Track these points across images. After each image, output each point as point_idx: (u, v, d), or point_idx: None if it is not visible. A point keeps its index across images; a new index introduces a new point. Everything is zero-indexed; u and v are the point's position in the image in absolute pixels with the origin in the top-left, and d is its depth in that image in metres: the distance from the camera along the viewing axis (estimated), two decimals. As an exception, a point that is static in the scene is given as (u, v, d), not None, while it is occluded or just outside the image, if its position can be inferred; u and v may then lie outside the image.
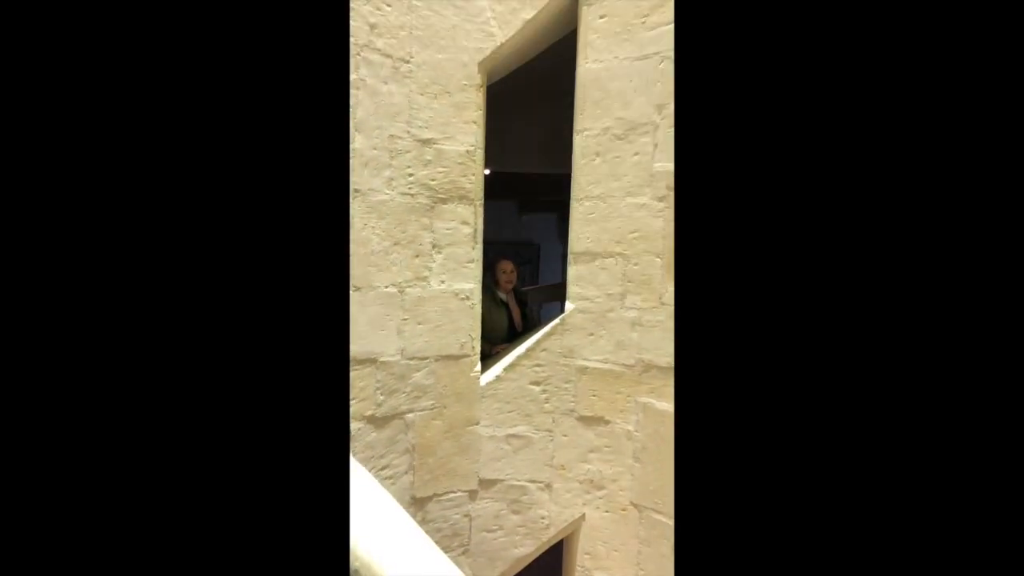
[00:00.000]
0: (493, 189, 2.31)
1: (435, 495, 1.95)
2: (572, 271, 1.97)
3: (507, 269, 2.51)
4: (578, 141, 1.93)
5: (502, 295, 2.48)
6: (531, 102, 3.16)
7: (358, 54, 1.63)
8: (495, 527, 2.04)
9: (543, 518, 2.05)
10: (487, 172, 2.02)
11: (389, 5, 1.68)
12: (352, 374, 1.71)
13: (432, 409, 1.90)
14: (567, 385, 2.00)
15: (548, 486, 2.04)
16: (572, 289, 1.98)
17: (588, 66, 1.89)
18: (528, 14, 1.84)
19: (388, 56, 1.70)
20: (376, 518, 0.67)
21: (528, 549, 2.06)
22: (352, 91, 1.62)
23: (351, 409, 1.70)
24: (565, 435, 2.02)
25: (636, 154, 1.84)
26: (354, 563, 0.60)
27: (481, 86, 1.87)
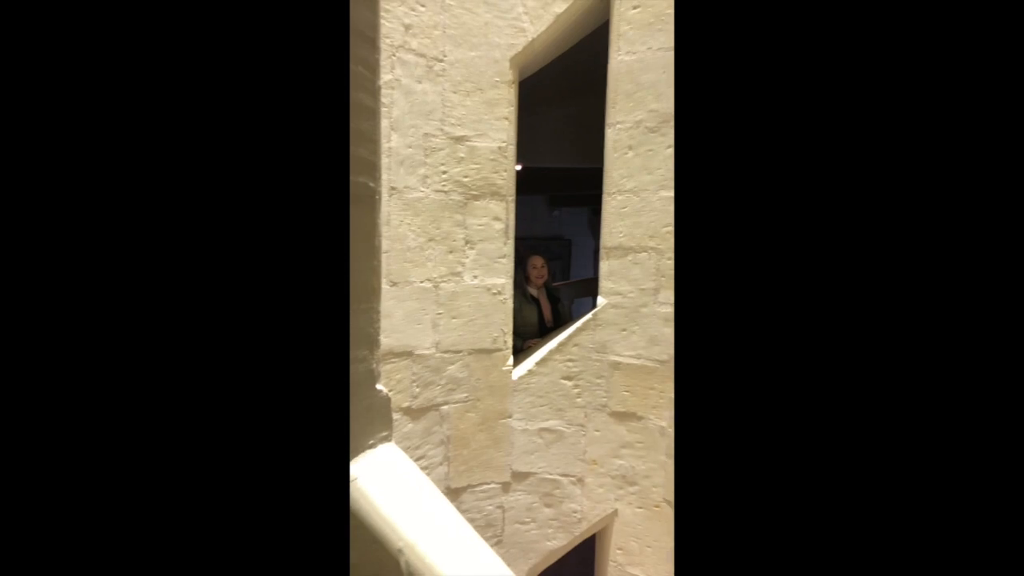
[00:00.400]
0: (524, 184, 2.32)
1: (469, 486, 1.98)
2: (605, 266, 1.96)
3: (537, 264, 2.52)
4: (610, 134, 1.91)
5: (533, 291, 2.49)
6: (563, 96, 3.15)
7: (393, 55, 1.67)
8: (528, 519, 2.07)
9: (575, 512, 2.06)
10: (518, 168, 2.03)
11: (423, 5, 1.71)
12: (389, 366, 1.76)
13: (466, 402, 1.93)
14: (599, 380, 2.00)
15: (580, 480, 2.04)
16: (605, 284, 1.97)
17: (621, 58, 1.87)
18: (560, 8, 1.84)
19: (422, 56, 1.73)
20: (419, 503, 0.70)
21: (561, 542, 2.07)
22: (387, 91, 1.66)
23: (388, 401, 1.75)
24: (597, 430, 2.02)
25: (669, 147, 1.81)
26: (398, 543, 0.62)
27: (513, 82, 1.88)
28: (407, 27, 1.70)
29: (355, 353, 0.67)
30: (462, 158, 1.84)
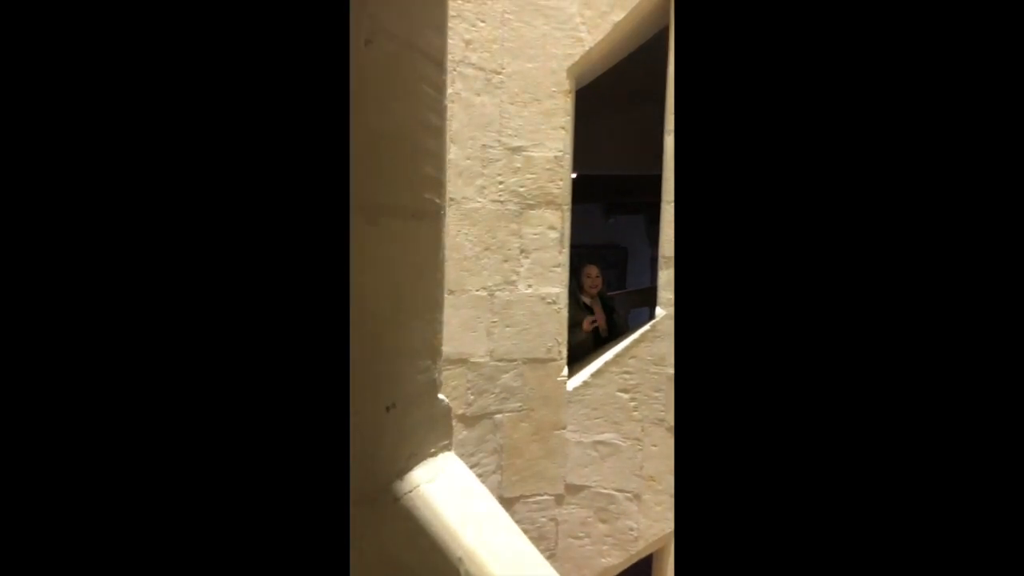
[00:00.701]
0: (580, 192, 2.31)
1: (522, 496, 1.98)
2: (664, 275, 1.91)
3: (592, 274, 2.50)
4: (670, 141, 1.86)
5: (586, 299, 2.46)
6: (620, 103, 3.11)
7: (454, 69, 1.72)
8: (582, 534, 2.03)
9: (632, 529, 1.99)
10: (574, 176, 2.02)
11: (483, 21, 1.76)
12: (445, 373, 1.79)
13: (520, 411, 1.94)
14: (657, 394, 1.93)
15: (637, 497, 1.98)
16: (663, 295, 1.91)
17: (682, 63, 1.82)
18: (618, 16, 1.82)
19: (481, 69, 1.78)
20: (479, 513, 0.71)
21: (616, 560, 2.02)
22: (448, 104, 1.72)
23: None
24: (655, 445, 1.95)
25: (735, 152, 1.74)
26: (458, 551, 0.63)
27: (570, 92, 1.88)
28: (467, 42, 1.75)
29: (418, 363, 0.70)
30: (518, 168, 1.86)
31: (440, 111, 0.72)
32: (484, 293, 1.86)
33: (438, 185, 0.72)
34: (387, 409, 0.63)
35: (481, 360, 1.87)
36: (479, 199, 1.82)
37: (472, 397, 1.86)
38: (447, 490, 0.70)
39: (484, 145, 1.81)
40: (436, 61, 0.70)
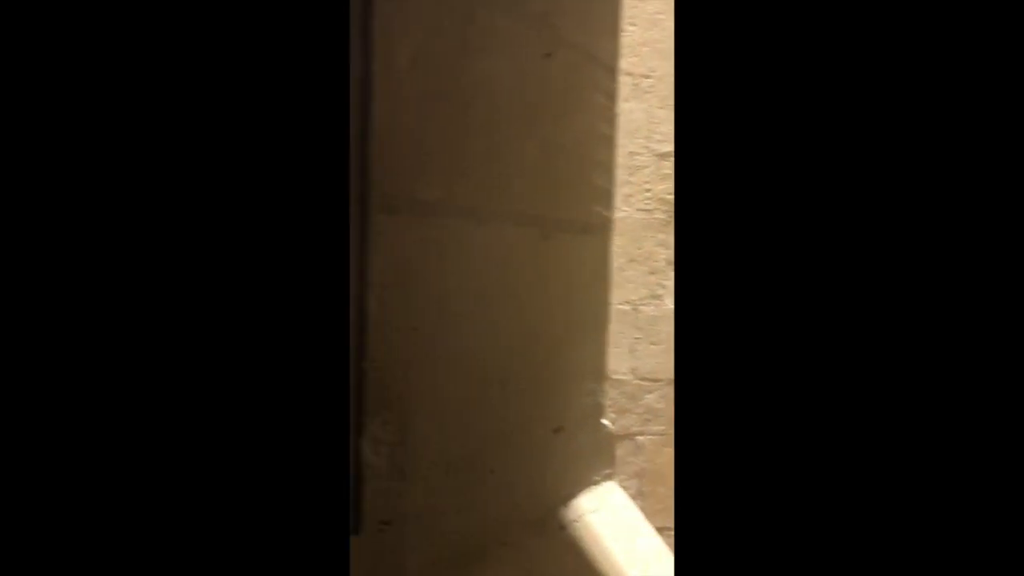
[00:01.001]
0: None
1: (666, 528, 1.83)
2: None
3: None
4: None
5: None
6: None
7: (601, 78, 1.70)
8: (733, 581, 1.81)
9: (797, 587, 1.72)
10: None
11: (633, 24, 1.70)
12: (585, 388, 1.75)
13: (664, 435, 1.80)
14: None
15: (805, 550, 1.70)
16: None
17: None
18: None
19: (629, 75, 1.71)
20: (644, 553, 0.65)
21: (776, 619, 1.75)
22: (594, 115, 1.69)
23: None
24: (831, 493, 1.65)
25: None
26: (629, 598, 0.58)
27: (728, 88, 1.71)
28: (615, 49, 1.71)
29: (585, 385, 0.66)
30: (667, 175, 1.75)
31: (611, 120, 0.68)
32: (628, 307, 1.77)
33: (607, 197, 0.68)
34: (555, 431, 0.61)
35: (623, 378, 1.78)
36: (624, 208, 1.75)
37: (613, 415, 1.78)
38: (612, 523, 0.65)
39: (631, 152, 1.74)
40: (609, 67, 0.66)
